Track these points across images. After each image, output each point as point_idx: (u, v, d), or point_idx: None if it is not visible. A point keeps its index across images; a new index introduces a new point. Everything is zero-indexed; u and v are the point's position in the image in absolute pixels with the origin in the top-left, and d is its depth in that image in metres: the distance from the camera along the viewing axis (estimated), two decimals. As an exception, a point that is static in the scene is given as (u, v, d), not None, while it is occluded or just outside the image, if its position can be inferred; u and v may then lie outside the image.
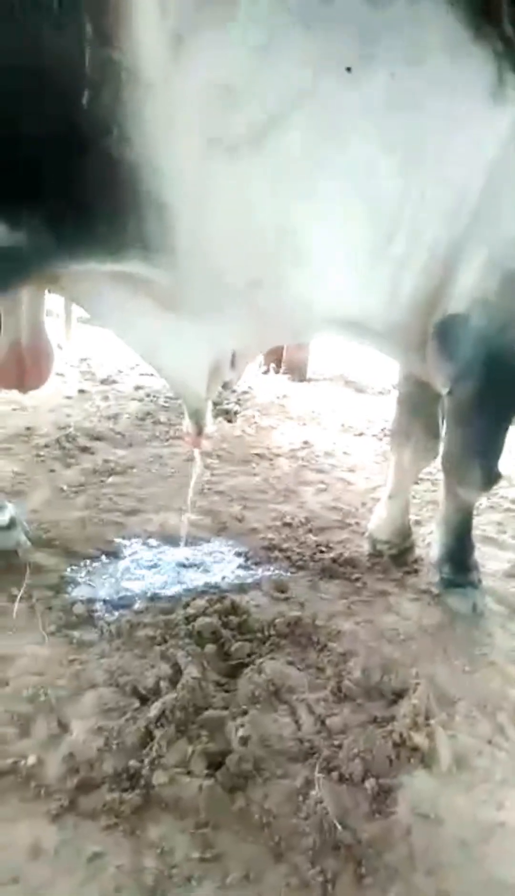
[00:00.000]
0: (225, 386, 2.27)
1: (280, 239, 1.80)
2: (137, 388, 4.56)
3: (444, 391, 2.13)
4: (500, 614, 2.45)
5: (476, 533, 2.66)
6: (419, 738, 1.76)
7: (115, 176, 1.60)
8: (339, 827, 1.51)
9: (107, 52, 1.50)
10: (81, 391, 4.34)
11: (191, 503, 2.73)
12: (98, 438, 3.57)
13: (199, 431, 2.32)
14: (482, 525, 3.04)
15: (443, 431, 2.33)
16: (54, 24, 1.39)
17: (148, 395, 4.40)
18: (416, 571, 2.66)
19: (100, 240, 1.69)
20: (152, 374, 4.87)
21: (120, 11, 1.43)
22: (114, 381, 4.64)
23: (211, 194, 1.68)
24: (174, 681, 1.87)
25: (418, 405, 2.53)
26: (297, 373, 5.35)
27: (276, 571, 2.55)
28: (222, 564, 2.56)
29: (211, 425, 2.37)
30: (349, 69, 1.62)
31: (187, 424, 2.35)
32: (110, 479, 3.12)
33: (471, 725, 1.88)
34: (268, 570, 2.56)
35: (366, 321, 2.07)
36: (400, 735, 1.76)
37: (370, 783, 1.63)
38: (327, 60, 1.61)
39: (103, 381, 4.64)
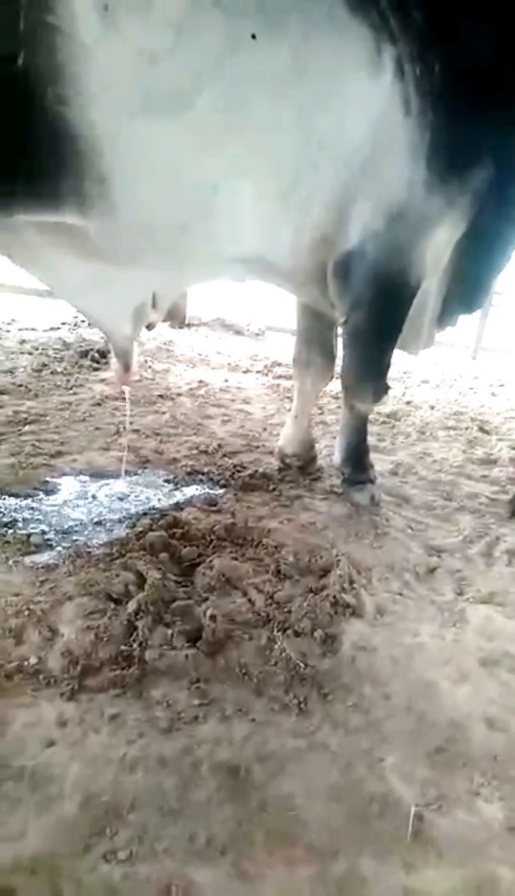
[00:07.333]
0: (148, 327, 2.49)
1: (201, 191, 2.04)
2: (22, 342, 4.56)
3: (342, 320, 2.51)
4: (392, 502, 2.97)
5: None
6: (348, 598, 2.21)
7: (56, 133, 1.76)
8: (302, 665, 1.91)
9: (43, 15, 1.65)
10: (-34, 350, 4.30)
11: (114, 440, 2.94)
12: (2, 392, 3.62)
13: (127, 369, 2.54)
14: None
15: (341, 355, 2.71)
16: None
17: (36, 349, 4.42)
18: (319, 478, 3.11)
19: (39, 192, 1.84)
20: (33, 329, 4.88)
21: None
22: (-4, 338, 4.60)
23: (142, 151, 1.88)
24: (140, 584, 2.15)
25: (314, 336, 2.90)
26: (177, 319, 5.56)
27: (204, 490, 2.87)
28: (154, 490, 2.83)
29: (135, 364, 2.58)
30: (254, 36, 1.87)
31: (115, 364, 2.55)
32: (27, 428, 3.23)
33: (385, 584, 2.36)
34: (197, 490, 2.87)
35: (274, 261, 2.37)
36: (334, 597, 2.19)
37: (318, 633, 2.04)
38: (236, 33, 1.84)
39: (-15, 339, 4.59)
